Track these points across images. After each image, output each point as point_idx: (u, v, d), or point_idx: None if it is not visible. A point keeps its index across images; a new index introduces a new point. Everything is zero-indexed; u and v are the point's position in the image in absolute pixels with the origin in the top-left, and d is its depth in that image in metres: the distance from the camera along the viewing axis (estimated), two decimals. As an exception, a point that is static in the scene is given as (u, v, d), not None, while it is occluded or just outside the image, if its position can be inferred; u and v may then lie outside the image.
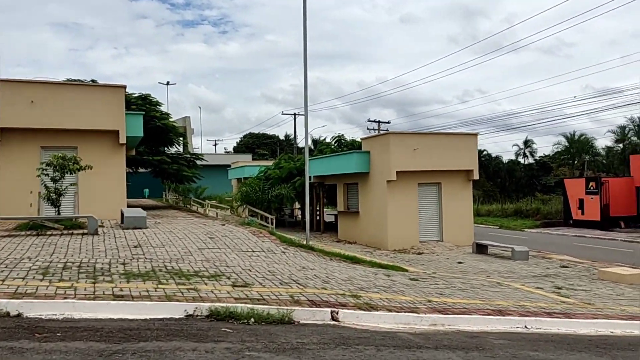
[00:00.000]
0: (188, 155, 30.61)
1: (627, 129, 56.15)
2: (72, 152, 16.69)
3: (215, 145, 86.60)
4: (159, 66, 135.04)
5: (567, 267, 15.65)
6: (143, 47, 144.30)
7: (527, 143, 66.15)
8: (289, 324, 6.65)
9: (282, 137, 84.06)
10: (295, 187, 25.11)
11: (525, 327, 7.85)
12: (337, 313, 7.21)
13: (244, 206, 17.06)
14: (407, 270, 13.26)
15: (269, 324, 6.55)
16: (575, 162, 60.75)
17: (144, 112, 19.34)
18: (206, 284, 7.98)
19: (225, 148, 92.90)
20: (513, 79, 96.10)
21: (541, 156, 66.18)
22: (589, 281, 13.14)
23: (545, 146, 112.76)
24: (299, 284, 8.62)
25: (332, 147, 30.47)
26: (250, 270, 9.27)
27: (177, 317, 6.47)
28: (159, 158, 25.43)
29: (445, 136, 21.25)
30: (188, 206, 29.27)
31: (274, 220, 18.03)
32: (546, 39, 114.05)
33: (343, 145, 30.25)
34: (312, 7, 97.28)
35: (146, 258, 9.55)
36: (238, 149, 78.68)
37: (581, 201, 32.77)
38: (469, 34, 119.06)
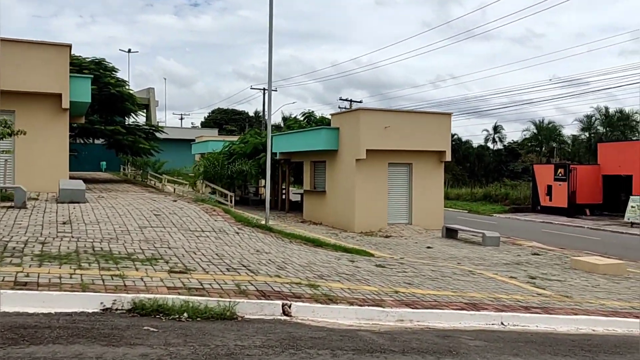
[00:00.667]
0: (146, 127, 28.87)
1: (594, 118, 56.65)
2: (10, 116, 15.05)
3: (182, 119, 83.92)
4: (126, 37, 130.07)
5: (538, 254, 15.02)
6: (110, 17, 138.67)
7: (496, 129, 66.36)
8: (230, 320, 5.56)
9: (251, 114, 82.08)
10: (260, 164, 23.87)
11: (502, 323, 6.97)
12: (290, 306, 6.15)
13: (203, 182, 15.78)
14: (373, 255, 12.31)
15: (206, 320, 5.45)
16: (543, 149, 61.21)
17: (92, 76, 17.65)
18: (137, 269, 6.79)
19: (192, 123, 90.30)
20: (484, 65, 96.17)
21: (510, 142, 66.56)
22: (562, 270, 12.48)
23: (513, 132, 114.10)
24: (249, 270, 7.51)
25: (301, 123, 29.22)
26: (195, 253, 8.11)
27: (90, 311, 5.30)
28: (112, 128, 23.71)
29: (417, 115, 20.32)
30: (145, 181, 27.68)
31: (233, 198, 16.78)
32: (517, 29, 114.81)
33: (312, 122, 29.03)
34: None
35: (72, 237, 8.26)
36: (206, 125, 76.35)
37: (549, 187, 32.59)
38: (443, 20, 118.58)
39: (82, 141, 28.25)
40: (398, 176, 20.08)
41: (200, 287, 6.27)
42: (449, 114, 20.43)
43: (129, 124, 26.27)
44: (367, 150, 18.97)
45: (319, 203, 21.63)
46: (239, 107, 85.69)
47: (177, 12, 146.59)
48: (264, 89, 55.81)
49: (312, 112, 32.16)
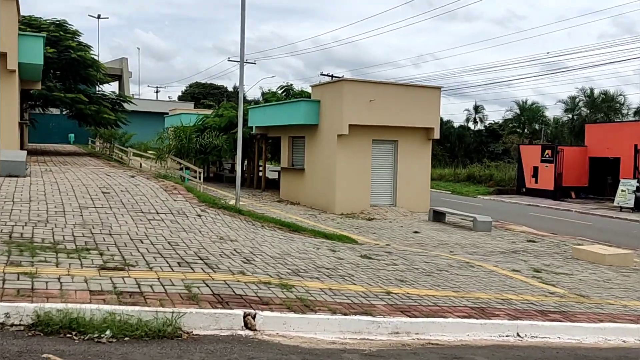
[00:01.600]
0: (113, 97, 26.82)
1: (578, 99, 56.01)
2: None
3: (157, 92, 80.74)
4: (103, 7, 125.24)
5: (534, 241, 13.84)
6: None
7: (477, 109, 65.51)
8: (171, 340, 4.11)
9: (230, 89, 79.60)
10: (235, 139, 22.17)
11: (519, 335, 5.66)
12: (254, 317, 4.71)
13: (168, 156, 14.17)
14: (356, 242, 10.95)
15: (137, 340, 3.98)
16: (525, 130, 60.53)
17: (45, 35, 15.66)
18: (59, 264, 5.25)
19: (169, 97, 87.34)
20: (465, 46, 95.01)
21: (490, 123, 65.80)
22: (564, 261, 11.29)
23: (493, 111, 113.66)
24: (207, 264, 6.03)
25: (279, 97, 27.51)
26: (142, 242, 6.58)
27: (-34, 330, 3.77)
28: (72, 96, 21.68)
29: (405, 88, 18.82)
30: (111, 154, 25.77)
31: (202, 175, 15.16)
32: (498, 11, 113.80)
33: (291, 96, 27.33)
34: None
35: (-13, 219, 6.65)
36: (183, 99, 73.64)
37: (535, 169, 31.63)
38: (425, 1, 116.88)
39: (40, 111, 26.13)
40: (382, 154, 18.67)
41: (137, 290, 4.78)
42: (438, 88, 18.98)
43: (92, 93, 24.20)
44: (350, 126, 17.47)
45: (297, 182, 20.14)
46: (219, 82, 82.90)
47: None
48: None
49: (291, 85, 30.40)
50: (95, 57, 24.24)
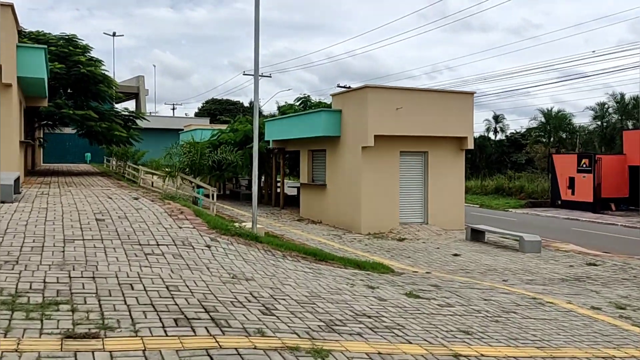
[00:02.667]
0: (125, 113, 25.76)
1: (607, 106, 53.94)
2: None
3: (174, 109, 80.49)
4: (123, 30, 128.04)
5: (594, 264, 12.08)
6: (106, 10, 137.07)
7: (497, 118, 63.50)
8: None
9: (246, 104, 79.02)
10: (251, 154, 20.82)
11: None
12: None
13: (177, 174, 12.83)
14: (393, 271, 9.37)
15: None
16: (552, 139, 58.35)
17: (46, 47, 14.54)
18: (9, 331, 3.81)
19: (186, 114, 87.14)
20: (480, 56, 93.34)
21: (512, 133, 63.75)
22: None
23: (512, 121, 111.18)
24: (214, 320, 4.54)
25: (296, 109, 26.19)
26: (132, 288, 5.12)
27: None
28: (82, 113, 20.57)
29: (435, 94, 17.25)
30: (124, 173, 24.62)
31: (215, 193, 13.72)
32: (513, 20, 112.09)
33: (309, 108, 25.99)
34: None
35: None
36: (200, 115, 73.18)
37: (572, 180, 29.67)
38: (438, 11, 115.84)
39: (49, 130, 25.22)
40: (411, 167, 17.10)
41: (109, 375, 3.29)
42: (471, 94, 17.38)
43: (103, 109, 23.12)
44: (376, 136, 15.97)
45: (319, 198, 18.64)
46: (235, 98, 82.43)
47: (174, 5, 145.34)
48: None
49: (308, 96, 29.11)
50: (107, 73, 23.21)
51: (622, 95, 51.28)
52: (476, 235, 15.27)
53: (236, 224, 9.49)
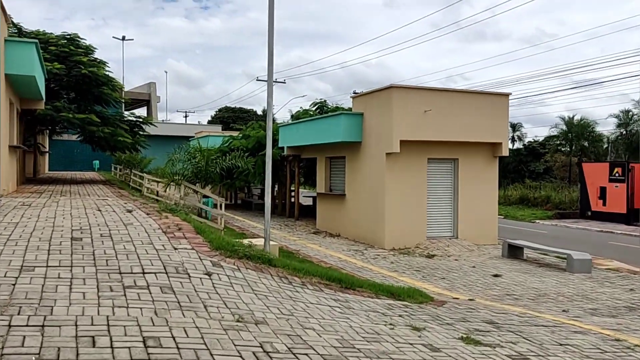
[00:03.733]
0: (132, 118, 24.53)
1: (631, 113, 52.06)
2: None
3: (186, 116, 79.76)
4: (137, 40, 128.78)
5: (661, 288, 10.38)
6: (121, 20, 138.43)
7: (515, 127, 61.52)
8: None
9: (259, 112, 78.13)
10: (264, 161, 19.40)
11: None
12: None
13: (181, 183, 11.40)
14: (431, 299, 7.78)
15: None
16: (573, 147, 56.31)
17: (36, 41, 13.23)
18: None
19: (199, 121, 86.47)
20: (495, 66, 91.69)
21: (530, 141, 61.81)
22: None
23: (527, 129, 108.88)
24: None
25: (313, 113, 24.76)
26: (94, 344, 3.61)
27: None
28: (82, 117, 19.30)
29: (466, 95, 15.60)
30: (129, 181, 23.33)
31: (224, 204, 12.17)
32: (527, 30, 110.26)
33: (325, 113, 24.55)
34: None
35: None
36: (212, 123, 72.31)
37: (603, 189, 27.79)
38: (451, 20, 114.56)
39: (55, 137, 24.06)
40: (440, 175, 15.51)
41: None
42: (507, 95, 15.76)
43: (107, 113, 21.88)
44: (402, 142, 14.43)
45: (337, 210, 17.09)
46: (248, 107, 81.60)
47: (188, 15, 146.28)
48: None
49: (325, 101, 27.69)
50: (111, 74, 21.99)
51: (649, 102, 49.25)
52: (513, 252, 13.60)
53: (246, 241, 7.98)
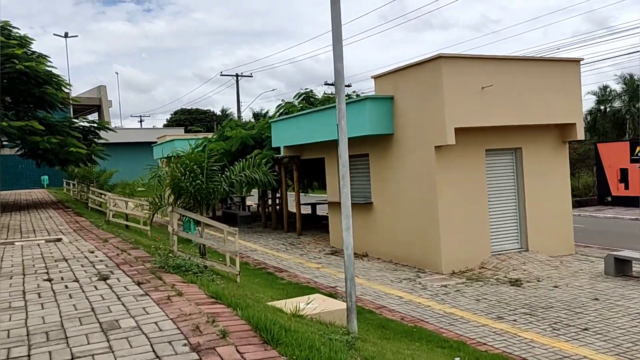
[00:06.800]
0: (85, 124, 20.11)
1: (609, 89, 50.80)
2: None
3: (141, 121, 74.29)
4: (80, 46, 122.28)
5: None
6: (62, 26, 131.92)
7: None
8: None
9: (218, 112, 73.71)
10: (258, 164, 15.44)
11: None
12: None
13: (172, 207, 7.80)
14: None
15: None
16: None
17: None
18: None
19: (154, 126, 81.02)
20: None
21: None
22: None
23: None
24: None
25: (303, 106, 20.94)
26: None
27: None
28: (20, 124, 14.88)
29: (532, 63, 11.80)
30: (87, 201, 18.96)
31: (236, 235, 8.28)
32: (473, 16, 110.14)
33: (315, 105, 20.78)
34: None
35: None
36: (169, 126, 67.28)
37: (624, 172, 25.20)
38: (398, 12, 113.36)
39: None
40: (501, 172, 12.07)
41: None
42: (578, 61, 12.40)
43: (52, 119, 17.45)
44: (456, 130, 10.88)
45: (361, 222, 13.35)
46: (204, 108, 76.95)
47: (130, 19, 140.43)
48: (237, 75, 47.32)
49: (311, 90, 23.91)
50: (54, 70, 17.54)
51: (631, 77, 47.91)
52: (621, 267, 10.26)
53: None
